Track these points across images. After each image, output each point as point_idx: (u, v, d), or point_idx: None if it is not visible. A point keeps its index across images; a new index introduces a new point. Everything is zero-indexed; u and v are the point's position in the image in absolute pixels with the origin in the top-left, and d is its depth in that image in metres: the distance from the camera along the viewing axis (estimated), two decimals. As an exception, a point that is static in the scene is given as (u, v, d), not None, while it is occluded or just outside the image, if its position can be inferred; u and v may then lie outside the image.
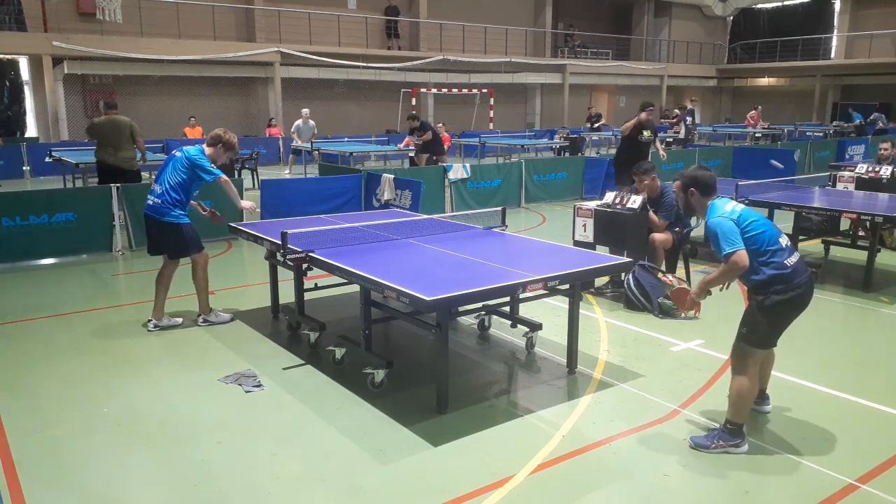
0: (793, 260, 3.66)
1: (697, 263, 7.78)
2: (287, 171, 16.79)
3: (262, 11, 21.87)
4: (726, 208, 3.70)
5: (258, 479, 3.48)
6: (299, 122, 16.72)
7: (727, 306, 6.35)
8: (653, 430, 3.99)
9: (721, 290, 3.92)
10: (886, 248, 8.41)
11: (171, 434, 3.95)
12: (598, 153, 18.10)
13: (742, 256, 3.55)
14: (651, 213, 6.47)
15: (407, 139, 14.57)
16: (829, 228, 7.81)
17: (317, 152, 16.03)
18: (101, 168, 9.22)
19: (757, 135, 22.84)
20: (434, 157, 13.52)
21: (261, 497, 3.34)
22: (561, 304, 5.47)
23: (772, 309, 3.65)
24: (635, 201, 6.34)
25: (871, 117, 23.17)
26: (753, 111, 24.70)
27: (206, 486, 3.42)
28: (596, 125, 21.81)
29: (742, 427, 3.74)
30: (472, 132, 23.87)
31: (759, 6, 33.15)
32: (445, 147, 16.28)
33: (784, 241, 3.71)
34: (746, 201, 7.43)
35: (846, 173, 9.37)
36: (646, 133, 9.77)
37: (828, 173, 10.93)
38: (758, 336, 3.73)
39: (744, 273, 3.62)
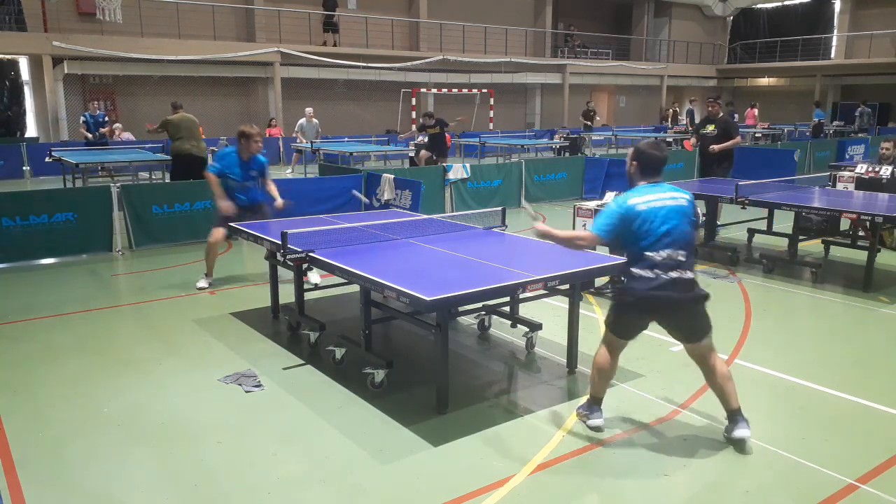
0: (646, 273, 3.62)
1: (697, 264, 7.77)
2: (289, 171, 16.78)
3: (262, 11, 21.87)
4: (629, 201, 3.67)
5: (258, 479, 3.48)
6: (303, 121, 16.73)
7: (727, 308, 6.36)
8: (653, 430, 3.99)
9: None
10: (886, 248, 8.42)
11: (171, 434, 3.95)
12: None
13: (588, 239, 3.77)
14: None
15: (416, 133, 15.00)
16: (829, 228, 7.81)
17: (318, 151, 16.02)
18: (180, 159, 10.35)
19: (757, 135, 22.88)
20: (434, 157, 13.52)
21: (261, 497, 3.34)
22: (561, 304, 5.47)
23: (616, 301, 3.92)
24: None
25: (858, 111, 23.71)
26: (750, 109, 24.72)
27: (206, 486, 3.43)
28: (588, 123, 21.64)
29: (600, 401, 4.01)
30: (472, 132, 23.87)
31: (759, 6, 33.15)
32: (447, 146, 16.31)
33: (654, 255, 3.62)
34: (747, 201, 7.45)
35: (846, 173, 9.36)
36: (710, 128, 9.47)
37: (828, 173, 10.93)
38: (608, 316, 3.94)
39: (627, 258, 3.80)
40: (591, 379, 4.04)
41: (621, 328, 3.86)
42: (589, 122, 21.87)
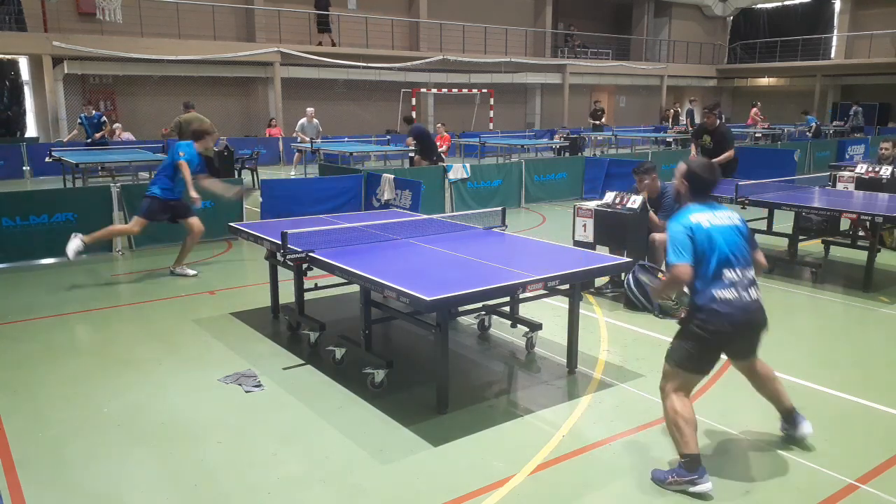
0: (727, 294, 3.40)
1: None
2: (292, 171, 16.70)
3: (262, 11, 21.87)
4: (691, 218, 3.48)
5: (258, 479, 3.48)
6: (303, 120, 16.68)
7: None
8: (653, 430, 3.99)
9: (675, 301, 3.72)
10: (886, 248, 8.41)
11: (171, 434, 3.95)
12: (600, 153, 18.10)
13: (682, 270, 3.40)
14: (651, 214, 6.47)
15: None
16: (829, 228, 7.81)
17: (318, 151, 16.00)
18: None
19: (757, 135, 22.90)
20: (428, 161, 13.33)
21: (261, 497, 3.34)
22: (561, 304, 5.47)
23: (691, 334, 3.47)
24: (635, 201, 6.34)
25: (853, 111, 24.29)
26: (754, 108, 24.77)
27: (206, 486, 3.43)
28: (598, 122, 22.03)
29: (697, 459, 3.38)
30: (472, 132, 23.87)
31: (759, 6, 33.16)
32: (444, 147, 16.29)
33: (731, 274, 3.43)
34: (747, 201, 7.45)
35: (846, 173, 9.36)
36: (706, 139, 9.17)
37: (828, 173, 10.93)
38: (677, 355, 3.53)
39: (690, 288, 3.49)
40: (675, 438, 3.46)
41: (701, 362, 3.50)
42: (598, 122, 22.07)
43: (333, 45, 22.69)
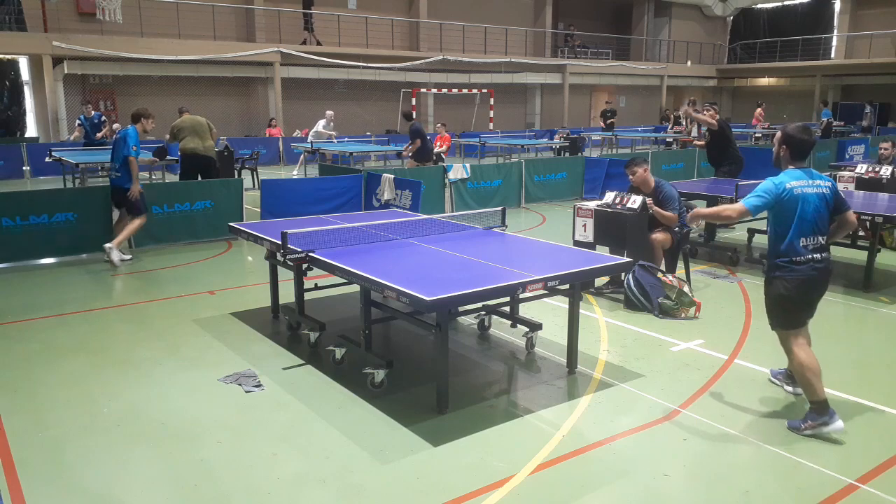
0: (805, 256, 3.84)
1: (697, 263, 7.78)
2: (295, 171, 16.68)
3: (262, 11, 21.87)
4: (786, 183, 3.84)
5: (258, 479, 3.48)
6: (322, 121, 16.64)
7: (727, 307, 6.36)
8: (653, 430, 3.99)
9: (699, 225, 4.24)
10: (886, 248, 8.41)
11: (170, 434, 3.95)
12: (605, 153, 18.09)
13: (735, 209, 3.95)
14: (657, 209, 6.38)
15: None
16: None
17: (318, 151, 15.99)
18: (185, 158, 10.44)
19: (757, 134, 22.90)
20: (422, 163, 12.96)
21: (261, 497, 3.34)
22: (561, 304, 5.47)
23: (778, 297, 3.94)
24: (635, 201, 6.33)
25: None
26: (759, 109, 24.80)
27: (206, 486, 3.43)
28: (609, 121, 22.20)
29: (825, 403, 3.85)
30: (472, 132, 23.88)
31: (759, 6, 33.17)
32: (444, 148, 16.27)
33: (809, 240, 3.85)
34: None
35: (846, 173, 9.36)
36: (706, 135, 9.37)
37: (828, 173, 10.93)
38: (777, 320, 4.01)
39: (770, 246, 3.98)
40: (804, 388, 3.97)
41: (798, 315, 3.97)
42: (610, 123, 22.18)
43: (304, 42, 22.35)
